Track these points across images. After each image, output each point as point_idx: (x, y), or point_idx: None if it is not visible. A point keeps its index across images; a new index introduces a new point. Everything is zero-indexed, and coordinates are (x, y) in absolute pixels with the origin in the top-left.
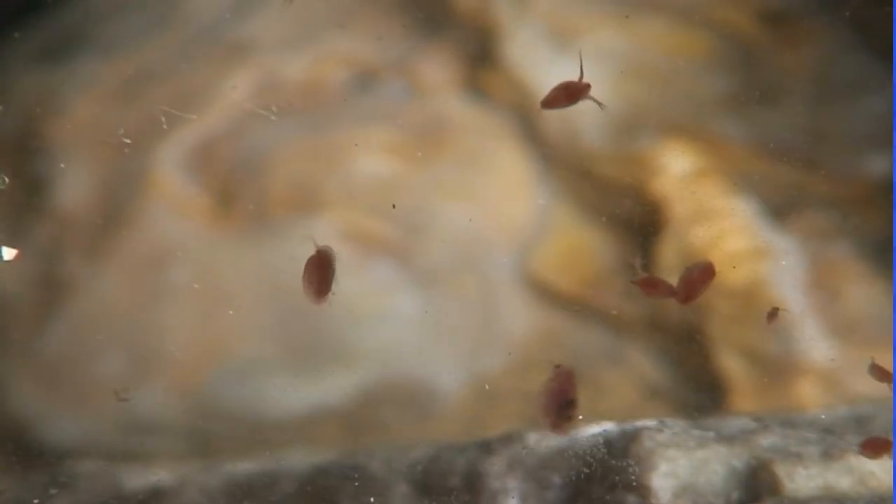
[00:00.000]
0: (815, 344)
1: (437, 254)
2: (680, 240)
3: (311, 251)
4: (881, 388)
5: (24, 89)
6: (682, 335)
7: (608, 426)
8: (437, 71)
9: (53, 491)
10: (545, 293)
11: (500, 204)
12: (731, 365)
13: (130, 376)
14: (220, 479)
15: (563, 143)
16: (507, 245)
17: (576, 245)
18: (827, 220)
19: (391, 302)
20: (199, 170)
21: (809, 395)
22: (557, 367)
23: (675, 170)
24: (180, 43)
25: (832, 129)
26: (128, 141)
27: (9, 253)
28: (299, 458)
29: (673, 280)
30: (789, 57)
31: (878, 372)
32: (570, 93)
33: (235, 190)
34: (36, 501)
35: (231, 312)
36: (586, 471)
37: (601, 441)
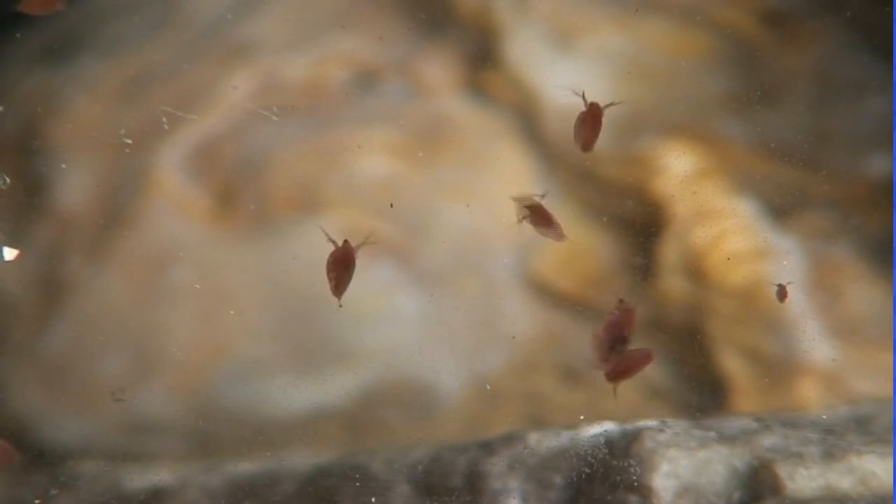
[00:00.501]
0: (816, 344)
1: (438, 254)
2: (681, 240)
3: (329, 247)
4: (882, 388)
5: (25, 89)
6: (684, 335)
7: (609, 426)
8: (438, 71)
9: (54, 491)
10: (546, 293)
11: (502, 204)
12: (732, 365)
13: (132, 377)
14: (221, 480)
15: (565, 143)
16: (508, 245)
17: (577, 245)
18: (828, 220)
19: (392, 302)
20: (200, 170)
21: (811, 396)
22: (621, 301)
23: (677, 170)
24: (181, 43)
25: (834, 129)
26: (129, 141)
27: (10, 253)
28: (300, 459)
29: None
30: (791, 57)
31: None
32: (594, 120)
33: (237, 190)
34: (37, 502)
35: (232, 313)
36: (588, 471)
37: (602, 441)
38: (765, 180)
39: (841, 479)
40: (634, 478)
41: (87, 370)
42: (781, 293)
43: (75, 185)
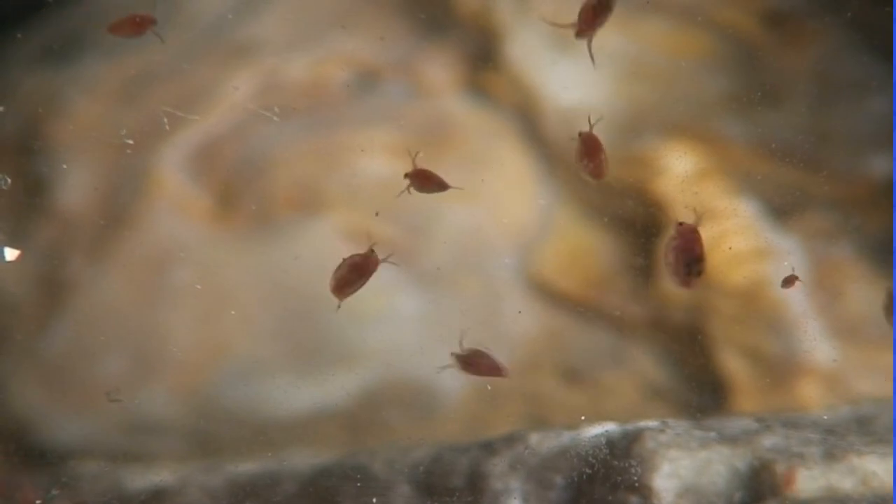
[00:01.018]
0: (817, 344)
1: (439, 254)
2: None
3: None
4: (883, 389)
5: (26, 90)
6: (685, 336)
7: (610, 426)
8: (439, 71)
9: (56, 491)
10: (547, 293)
11: (503, 204)
12: (733, 365)
13: (132, 377)
14: (222, 480)
15: (566, 143)
16: (509, 245)
17: (578, 245)
18: (829, 220)
19: (393, 302)
20: (201, 170)
21: (811, 396)
22: (680, 224)
23: (678, 170)
24: (182, 44)
25: (834, 129)
26: (130, 142)
27: (11, 254)
28: (301, 459)
29: None
30: (791, 57)
31: None
32: (592, 149)
33: (238, 190)
34: (38, 502)
35: (233, 313)
36: (588, 471)
37: (603, 441)
38: (765, 180)
39: (842, 479)
40: (635, 478)
41: (87, 370)
42: (788, 281)
43: (76, 186)
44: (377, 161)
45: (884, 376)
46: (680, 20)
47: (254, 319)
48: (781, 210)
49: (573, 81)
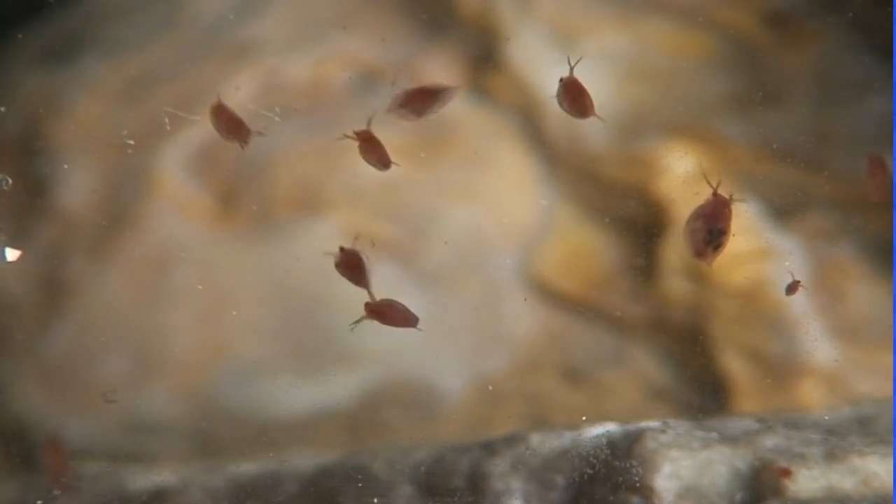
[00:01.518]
0: (818, 345)
1: (440, 255)
2: (683, 241)
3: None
4: (884, 389)
5: (27, 90)
6: (686, 336)
7: (611, 427)
8: (440, 72)
9: (56, 492)
10: (548, 294)
11: (504, 205)
12: (734, 366)
13: (133, 377)
14: (223, 480)
15: (567, 143)
16: (510, 246)
17: (579, 246)
18: (830, 220)
19: None
20: (202, 171)
21: (813, 396)
22: (715, 194)
23: (679, 170)
24: (183, 44)
25: (835, 129)
26: (131, 142)
27: (12, 254)
28: (303, 459)
29: None
30: (792, 58)
31: None
32: (576, 93)
33: (239, 191)
34: (39, 502)
35: (234, 313)
36: (590, 472)
37: (604, 442)
38: (766, 181)
39: (843, 479)
40: (636, 478)
41: (88, 370)
42: (792, 288)
43: (77, 186)
44: None
45: (885, 377)
46: (681, 20)
47: (255, 320)
48: (782, 210)
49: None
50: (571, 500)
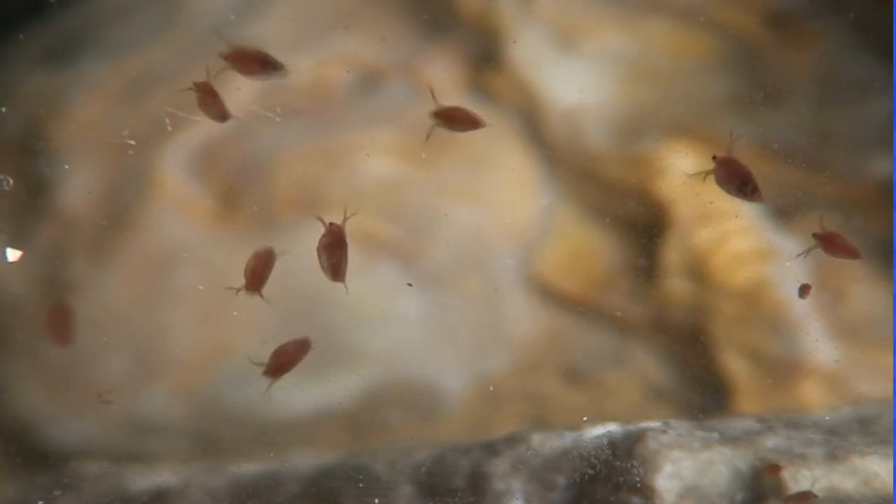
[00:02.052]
0: (819, 345)
1: (441, 255)
2: (684, 241)
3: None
4: (885, 389)
5: (27, 90)
6: (687, 336)
7: (612, 427)
8: (441, 72)
9: (58, 492)
10: (549, 294)
11: (504, 205)
12: (735, 366)
13: (134, 377)
14: (224, 481)
15: (568, 144)
16: (511, 246)
17: (580, 246)
18: (831, 221)
19: (395, 303)
20: (203, 171)
21: (813, 397)
22: (714, 157)
23: (679, 171)
24: (184, 44)
25: (836, 130)
26: (132, 142)
27: (13, 254)
28: (303, 460)
29: None
30: (793, 58)
31: None
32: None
33: (240, 191)
34: (40, 503)
35: (235, 314)
36: (591, 472)
37: (605, 442)
38: (767, 181)
39: (844, 480)
40: (637, 479)
41: (89, 371)
42: (804, 291)
43: (78, 186)
44: (379, 162)
45: (886, 377)
46: (681, 21)
47: (256, 320)
48: (784, 211)
49: (575, 82)
50: (572, 500)
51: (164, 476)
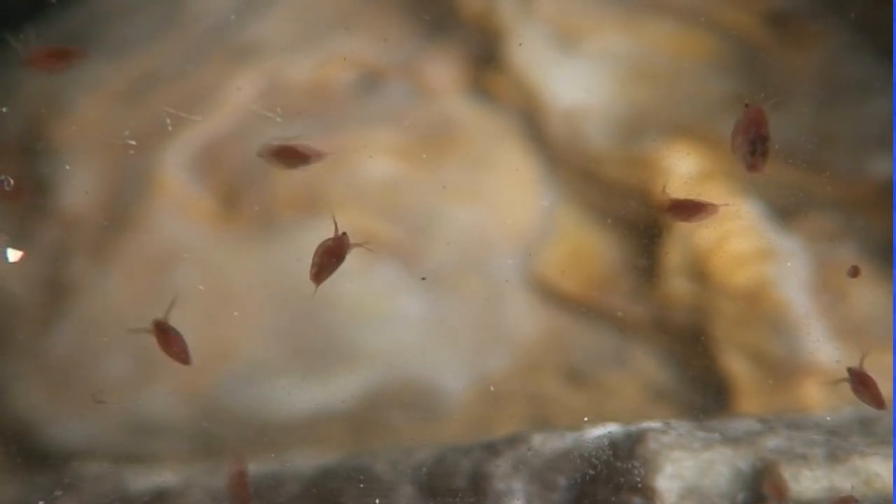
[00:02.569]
0: (820, 345)
1: (442, 255)
2: (685, 241)
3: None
4: (886, 390)
5: (28, 91)
6: (688, 337)
7: (613, 428)
8: (442, 72)
9: (58, 492)
10: (550, 294)
11: (506, 205)
12: (736, 366)
13: (135, 378)
14: (225, 481)
15: (569, 144)
16: (512, 246)
17: (581, 246)
18: (832, 221)
19: (396, 303)
20: (204, 172)
21: (815, 397)
22: (747, 105)
23: (681, 171)
24: (185, 45)
25: (838, 130)
26: (133, 142)
27: (14, 255)
28: (304, 460)
29: None
30: (794, 58)
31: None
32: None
33: (241, 191)
34: (41, 503)
35: (236, 314)
36: (591, 472)
37: (606, 443)
38: (768, 182)
39: (845, 480)
40: (638, 479)
41: (90, 371)
42: (854, 272)
43: (79, 187)
44: (380, 162)
45: (887, 377)
46: (682, 21)
47: (257, 320)
48: (785, 211)
49: (576, 82)
50: (573, 500)
51: (164, 476)
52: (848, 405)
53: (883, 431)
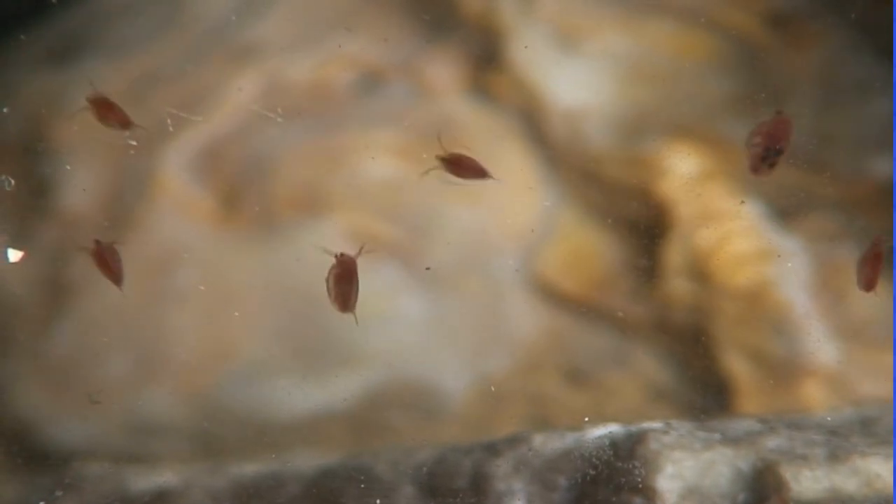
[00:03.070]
0: (820, 346)
1: (442, 256)
2: (686, 242)
3: (331, 260)
4: (886, 390)
5: (29, 91)
6: (688, 337)
7: (614, 428)
8: (442, 72)
9: (59, 493)
10: (551, 295)
11: (506, 205)
12: (736, 366)
13: (136, 378)
14: (225, 481)
15: (569, 144)
16: (512, 247)
17: (581, 247)
18: (833, 221)
19: (396, 303)
20: (205, 172)
21: (815, 397)
22: (779, 112)
23: (681, 171)
24: (186, 45)
25: (838, 130)
26: (134, 143)
27: (14, 255)
28: (305, 460)
29: None
30: (795, 59)
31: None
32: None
33: (241, 192)
34: (41, 503)
35: (237, 314)
36: (592, 472)
37: (607, 443)
38: (769, 182)
39: (845, 480)
40: (639, 479)
41: (91, 371)
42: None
43: (79, 187)
44: (381, 162)
45: (887, 378)
46: (683, 21)
47: (258, 321)
48: (785, 211)
49: (577, 82)
50: (574, 500)
51: (165, 476)
52: (849, 405)
53: (883, 432)
